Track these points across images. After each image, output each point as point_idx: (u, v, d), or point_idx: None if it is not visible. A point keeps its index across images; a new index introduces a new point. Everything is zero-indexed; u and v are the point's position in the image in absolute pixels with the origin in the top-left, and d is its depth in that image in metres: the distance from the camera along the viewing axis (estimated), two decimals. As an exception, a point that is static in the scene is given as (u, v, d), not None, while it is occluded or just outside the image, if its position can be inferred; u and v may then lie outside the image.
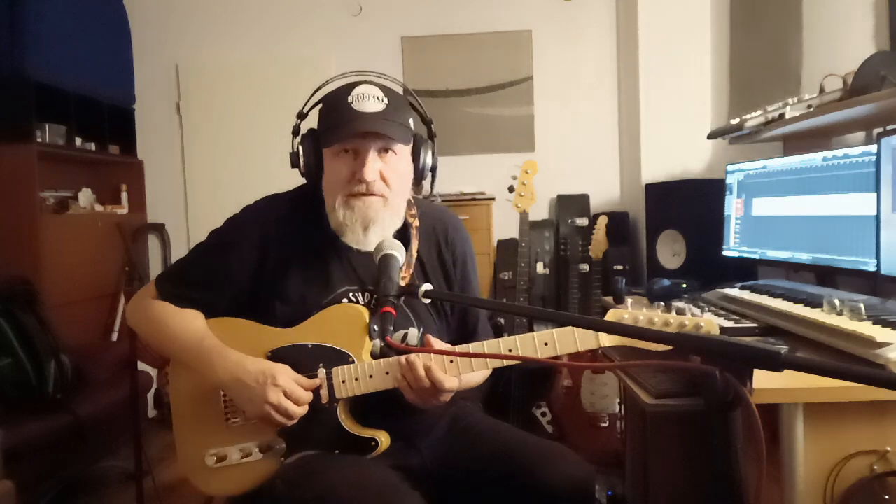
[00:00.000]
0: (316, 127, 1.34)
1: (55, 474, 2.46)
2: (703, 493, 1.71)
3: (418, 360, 1.20)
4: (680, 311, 1.15)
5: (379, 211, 1.29)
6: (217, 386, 1.29)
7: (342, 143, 1.27)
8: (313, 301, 1.31)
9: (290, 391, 1.22)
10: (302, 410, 1.23)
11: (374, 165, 1.26)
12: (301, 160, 1.34)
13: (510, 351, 1.21)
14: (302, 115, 1.41)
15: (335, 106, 1.29)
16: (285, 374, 1.24)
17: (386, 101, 1.28)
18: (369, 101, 1.26)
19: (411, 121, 1.34)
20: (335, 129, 1.27)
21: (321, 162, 1.33)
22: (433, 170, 1.40)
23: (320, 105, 1.35)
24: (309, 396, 1.24)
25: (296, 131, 1.38)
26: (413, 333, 1.35)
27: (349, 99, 1.27)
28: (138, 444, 2.40)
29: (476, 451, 1.34)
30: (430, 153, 1.38)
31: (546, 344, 1.19)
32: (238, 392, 1.25)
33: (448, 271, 1.43)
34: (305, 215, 1.35)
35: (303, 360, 1.27)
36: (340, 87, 1.31)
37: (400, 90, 1.35)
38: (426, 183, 1.41)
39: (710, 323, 1.12)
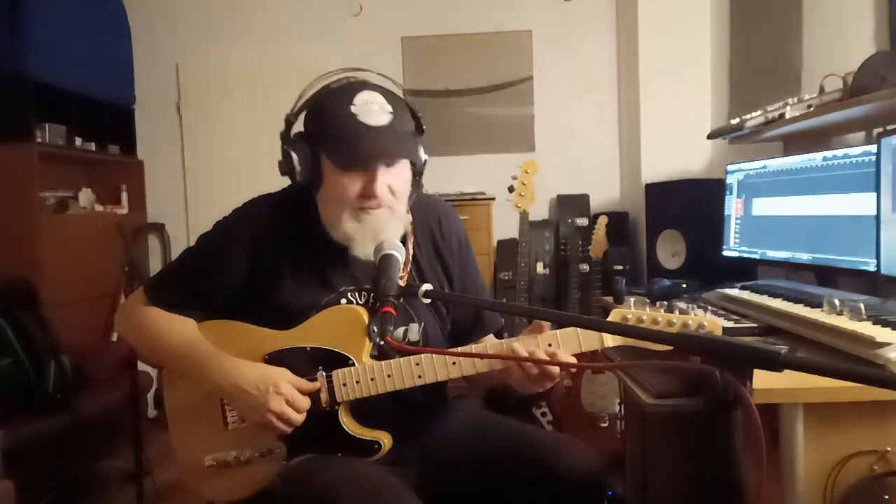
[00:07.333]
0: (308, 129, 1.26)
1: (55, 474, 2.45)
2: (703, 494, 1.71)
3: (538, 349, 1.17)
4: (683, 312, 1.15)
5: (387, 222, 1.25)
6: (215, 393, 1.27)
7: (357, 166, 1.21)
8: (311, 302, 1.28)
9: (291, 398, 1.21)
10: (302, 417, 1.22)
11: (384, 180, 1.22)
12: (297, 168, 1.25)
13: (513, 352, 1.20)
14: (292, 120, 1.29)
15: (336, 116, 1.21)
16: (286, 381, 1.22)
17: (391, 110, 1.21)
18: (374, 112, 1.20)
19: (413, 125, 1.29)
20: (345, 148, 1.20)
21: (320, 170, 1.25)
22: (424, 164, 1.33)
23: (313, 108, 1.26)
24: (308, 403, 1.22)
25: (285, 137, 1.27)
26: (414, 329, 1.34)
27: (352, 109, 1.19)
28: (138, 444, 2.39)
29: (486, 443, 1.34)
30: (422, 149, 1.32)
31: (550, 345, 1.18)
32: (238, 399, 1.23)
33: (445, 261, 1.41)
34: (298, 216, 1.31)
35: (301, 363, 1.25)
36: (338, 90, 1.24)
37: (393, 88, 1.30)
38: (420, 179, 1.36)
39: (713, 323, 1.12)
